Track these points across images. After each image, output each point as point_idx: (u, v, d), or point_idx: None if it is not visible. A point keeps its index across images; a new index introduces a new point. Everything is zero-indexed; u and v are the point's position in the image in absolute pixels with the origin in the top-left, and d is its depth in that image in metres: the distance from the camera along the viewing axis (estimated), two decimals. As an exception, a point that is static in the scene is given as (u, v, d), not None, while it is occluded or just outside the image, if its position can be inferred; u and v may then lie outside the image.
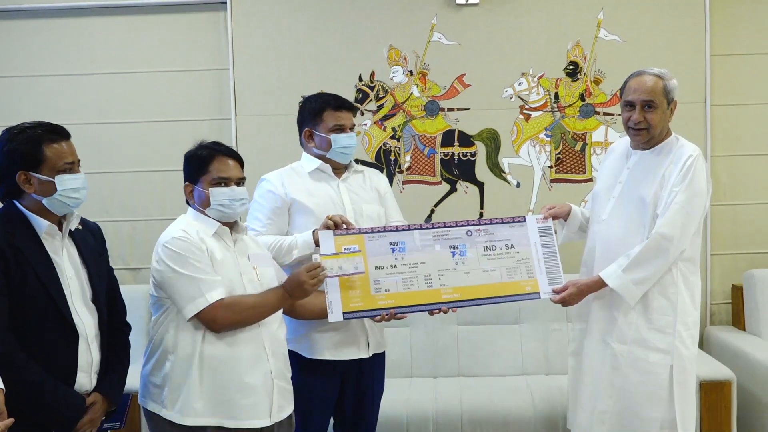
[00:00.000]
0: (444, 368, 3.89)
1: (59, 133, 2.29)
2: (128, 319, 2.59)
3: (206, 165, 2.44)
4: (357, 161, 4.06)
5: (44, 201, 2.26)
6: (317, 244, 2.62)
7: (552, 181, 4.20)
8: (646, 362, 2.67)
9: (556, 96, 4.17)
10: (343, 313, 2.53)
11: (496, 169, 4.20)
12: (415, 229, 2.71)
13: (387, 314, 2.57)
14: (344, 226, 2.63)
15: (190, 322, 2.33)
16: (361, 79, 4.19)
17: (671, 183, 2.63)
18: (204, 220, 2.44)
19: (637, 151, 2.80)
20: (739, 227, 4.22)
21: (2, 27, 4.25)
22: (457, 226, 2.74)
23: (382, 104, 4.19)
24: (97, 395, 2.34)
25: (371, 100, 4.18)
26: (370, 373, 2.87)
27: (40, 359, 2.19)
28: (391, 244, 2.65)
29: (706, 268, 4.15)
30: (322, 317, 2.59)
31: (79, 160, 2.34)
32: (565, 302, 2.75)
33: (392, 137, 4.20)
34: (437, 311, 2.67)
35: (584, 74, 4.17)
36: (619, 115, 4.06)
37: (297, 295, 2.43)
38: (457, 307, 2.67)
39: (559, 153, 4.19)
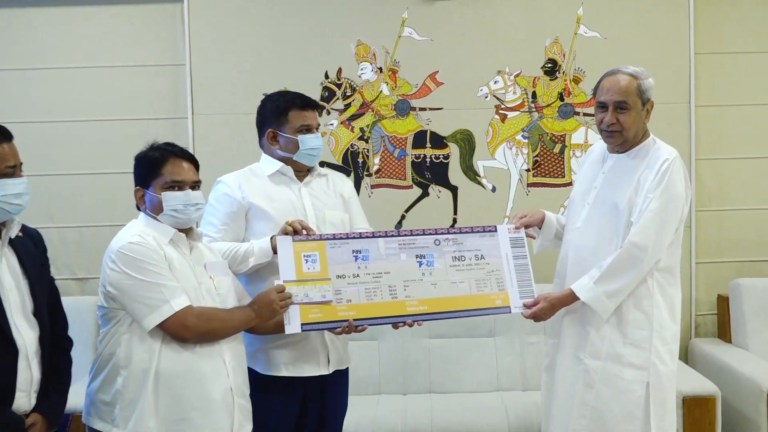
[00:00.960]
0: (414, 384, 3.92)
1: (0, 134, 2.28)
2: (74, 333, 2.58)
3: (158, 168, 2.45)
4: (322, 164, 4.12)
5: (-18, 208, 2.25)
6: (275, 251, 2.63)
7: (529, 185, 4.26)
8: (621, 379, 2.70)
9: (534, 95, 4.24)
10: (301, 324, 2.55)
11: (471, 173, 4.25)
12: (380, 236, 2.73)
13: (347, 326, 2.59)
14: (304, 232, 2.65)
15: (147, 334, 2.33)
16: (327, 76, 4.21)
17: (646, 189, 2.67)
18: (158, 226, 2.45)
19: (614, 155, 2.83)
20: (725, 234, 4.30)
21: (-62, 17, 4.23)
22: (424, 234, 2.77)
23: (350, 103, 4.22)
24: (36, 416, 2.32)
25: (338, 98, 4.21)
26: (332, 391, 2.87)
27: (-25, 378, 2.17)
28: (354, 252, 2.67)
29: (690, 278, 4.22)
30: (278, 332, 2.60)
31: (21, 164, 2.33)
32: (536, 317, 2.78)
33: (360, 138, 4.23)
34: (402, 324, 2.69)
35: (563, 73, 4.23)
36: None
37: (265, 315, 2.48)
38: (424, 320, 2.70)
39: (536, 155, 4.25)
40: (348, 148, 4.23)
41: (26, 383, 2.30)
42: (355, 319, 2.60)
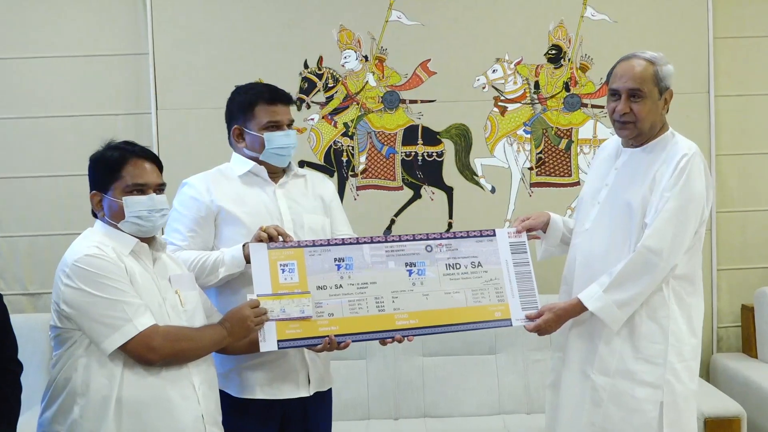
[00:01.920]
0: (406, 407, 3.85)
1: None
2: (25, 355, 2.54)
3: (118, 169, 2.39)
4: (302, 164, 4.05)
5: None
6: (248, 261, 2.57)
7: (533, 185, 4.19)
8: (632, 397, 2.64)
9: (537, 85, 4.17)
10: (278, 341, 2.49)
11: (467, 172, 4.18)
12: (365, 242, 2.67)
13: (328, 342, 2.53)
14: (280, 239, 2.58)
15: (107, 357, 2.26)
16: (306, 66, 4.13)
17: (662, 186, 2.62)
18: (117, 235, 2.39)
19: (628, 150, 2.78)
20: (750, 238, 4.25)
21: None
22: (414, 240, 2.70)
23: (332, 95, 4.14)
24: None
25: (319, 90, 4.14)
26: (314, 415, 2.81)
27: None
28: (336, 260, 2.61)
29: (711, 286, 4.17)
30: (252, 350, 2.55)
31: None
32: (541, 330, 2.72)
33: (344, 134, 4.15)
34: (390, 340, 2.62)
35: (569, 60, 4.17)
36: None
37: (238, 333, 2.44)
38: (415, 335, 2.63)
39: (540, 152, 4.18)
40: (331, 146, 4.15)
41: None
42: (336, 335, 2.54)
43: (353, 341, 2.57)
